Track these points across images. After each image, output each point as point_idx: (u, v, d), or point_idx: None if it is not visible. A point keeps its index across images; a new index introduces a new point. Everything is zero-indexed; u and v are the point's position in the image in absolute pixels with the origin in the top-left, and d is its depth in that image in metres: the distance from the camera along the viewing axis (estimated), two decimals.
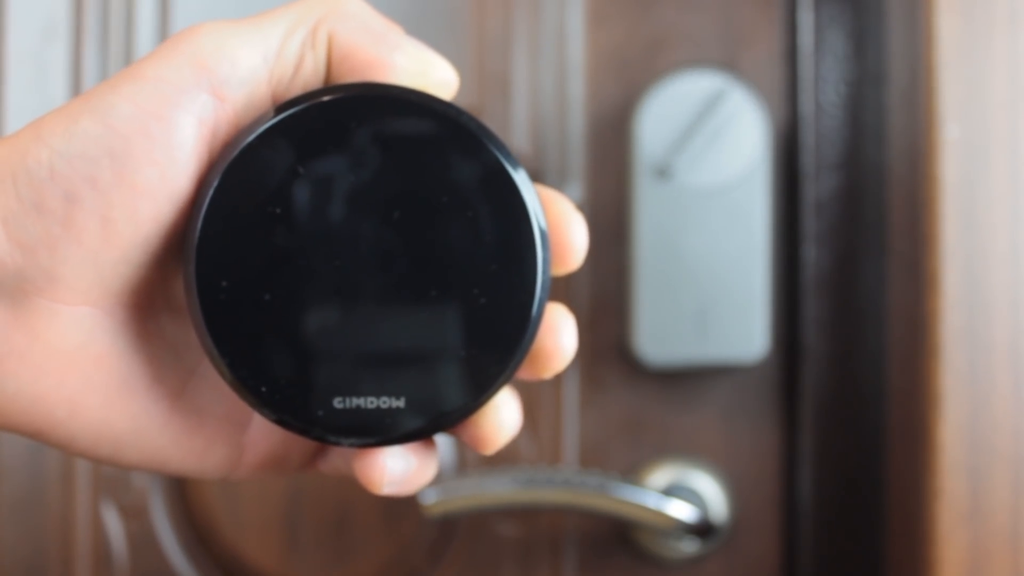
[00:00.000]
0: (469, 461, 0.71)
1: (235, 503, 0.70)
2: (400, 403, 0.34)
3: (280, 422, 0.34)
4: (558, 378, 0.70)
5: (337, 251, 0.34)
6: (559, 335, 0.36)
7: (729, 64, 0.70)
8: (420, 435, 0.35)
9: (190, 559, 0.71)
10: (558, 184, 0.70)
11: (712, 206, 0.67)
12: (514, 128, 0.70)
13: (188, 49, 0.33)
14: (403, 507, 0.70)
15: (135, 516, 0.70)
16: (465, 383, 0.34)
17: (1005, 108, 0.59)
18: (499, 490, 0.65)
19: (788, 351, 0.70)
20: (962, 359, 0.58)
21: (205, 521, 0.70)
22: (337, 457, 0.39)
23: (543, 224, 0.35)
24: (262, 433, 0.38)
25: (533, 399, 0.70)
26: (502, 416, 0.36)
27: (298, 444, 0.39)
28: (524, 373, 0.36)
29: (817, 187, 0.69)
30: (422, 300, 0.34)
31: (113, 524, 0.70)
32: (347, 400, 0.34)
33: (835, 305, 0.69)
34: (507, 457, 0.70)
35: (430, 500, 0.65)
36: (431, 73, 0.36)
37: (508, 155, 0.34)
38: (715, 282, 0.67)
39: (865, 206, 0.69)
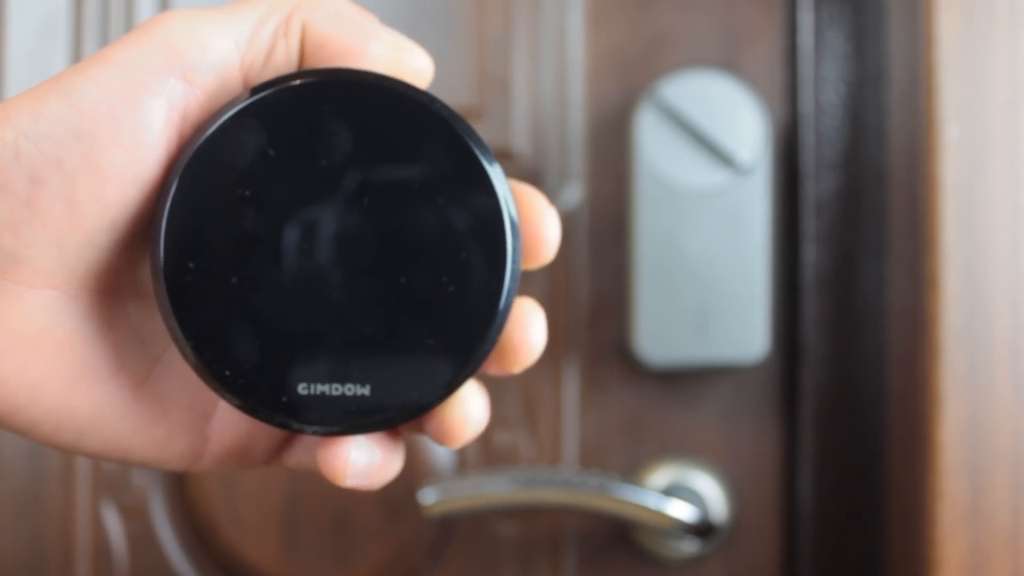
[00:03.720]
0: (469, 461, 0.71)
1: (235, 503, 0.70)
2: (365, 391, 0.33)
3: (244, 408, 0.34)
4: (558, 378, 0.70)
5: (306, 236, 0.33)
6: (527, 329, 0.35)
7: (729, 64, 0.70)
8: (385, 424, 0.34)
9: (190, 559, 0.71)
10: (558, 184, 0.70)
11: (712, 206, 0.67)
12: (514, 128, 0.70)
13: (158, 34, 0.33)
14: (403, 507, 0.70)
15: (135, 516, 0.70)
16: (431, 373, 0.34)
17: (1005, 108, 0.59)
18: (499, 490, 0.65)
19: (788, 351, 0.70)
20: (962, 359, 0.58)
21: (205, 521, 0.70)
22: (302, 450, 0.38)
23: (514, 214, 0.34)
24: (226, 423, 0.37)
25: (533, 399, 0.70)
26: (468, 409, 0.35)
27: (263, 436, 0.38)
28: (492, 367, 0.36)
29: (817, 187, 0.69)
30: (390, 287, 0.33)
31: (113, 524, 0.70)
32: (312, 387, 0.33)
33: (835, 305, 0.69)
34: (507, 457, 0.70)
35: (430, 500, 0.65)
36: (407, 61, 0.36)
37: (481, 144, 0.34)
38: (715, 282, 0.67)
39: (865, 206, 0.69)
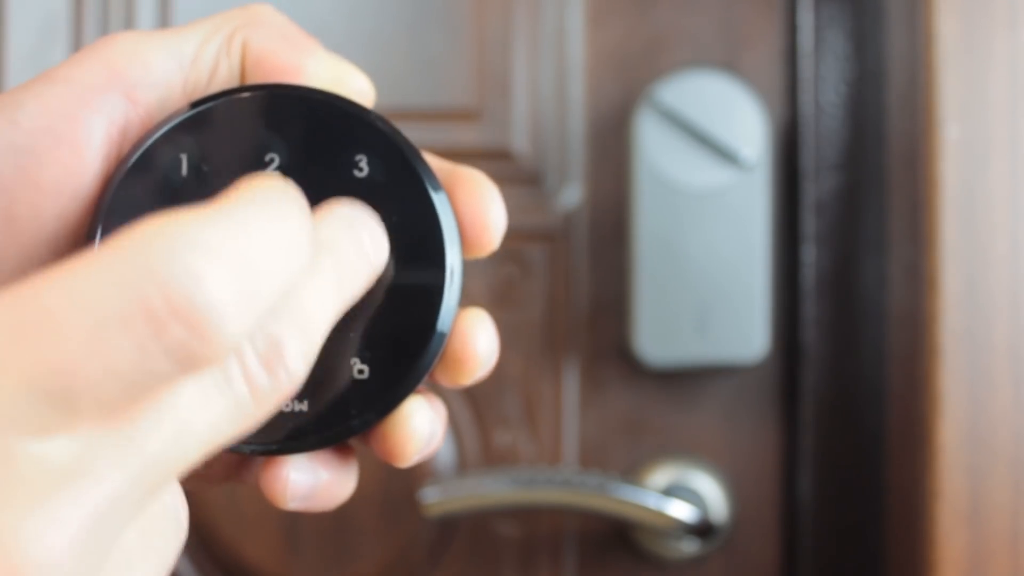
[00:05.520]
0: (469, 461, 0.71)
1: (235, 503, 0.70)
2: (303, 407, 0.32)
3: None
4: (558, 378, 0.70)
5: None
6: (472, 340, 0.34)
7: (729, 64, 0.70)
8: (324, 443, 0.33)
9: (190, 559, 0.71)
10: (558, 184, 0.70)
11: (712, 206, 0.67)
12: (514, 128, 0.70)
13: (102, 54, 0.33)
14: (403, 507, 0.70)
15: None
16: (371, 389, 0.33)
17: (1005, 108, 0.59)
18: (499, 490, 0.65)
19: (788, 351, 0.70)
20: (962, 359, 0.58)
21: (205, 521, 0.70)
22: (257, 467, 0.37)
23: (453, 223, 0.33)
24: None
25: (533, 399, 0.70)
26: (412, 426, 0.33)
27: (217, 453, 0.37)
28: (443, 380, 0.35)
29: (817, 187, 0.69)
30: None
31: None
32: None
33: (835, 305, 0.69)
34: (507, 457, 0.70)
35: (430, 500, 0.65)
36: (345, 81, 0.35)
37: (415, 154, 0.33)
38: (715, 282, 0.67)
39: (865, 206, 0.69)
